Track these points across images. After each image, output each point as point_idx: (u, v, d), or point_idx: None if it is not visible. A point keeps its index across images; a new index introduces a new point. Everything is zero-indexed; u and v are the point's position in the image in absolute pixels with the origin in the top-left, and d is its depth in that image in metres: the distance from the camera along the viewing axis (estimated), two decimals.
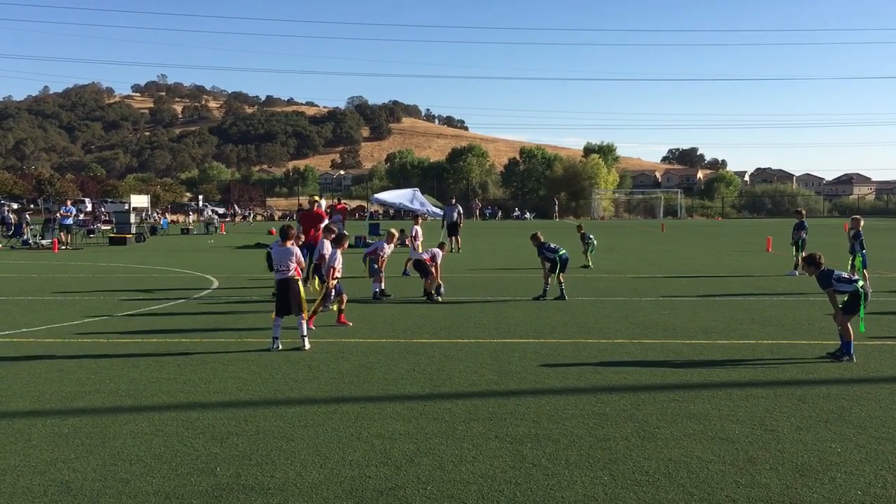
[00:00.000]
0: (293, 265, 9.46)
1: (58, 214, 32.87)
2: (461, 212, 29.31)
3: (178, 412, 6.66)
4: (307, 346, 9.36)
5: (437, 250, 14.60)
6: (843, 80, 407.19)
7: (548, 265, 13.87)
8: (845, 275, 8.96)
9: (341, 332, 10.50)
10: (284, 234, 9.76)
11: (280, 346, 9.34)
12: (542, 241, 14.12)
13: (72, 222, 32.95)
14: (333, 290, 11.00)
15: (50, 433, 6.10)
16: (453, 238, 27.21)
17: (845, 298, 8.79)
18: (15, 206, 62.99)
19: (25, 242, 31.95)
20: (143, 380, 7.85)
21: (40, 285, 17.07)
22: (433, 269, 14.06)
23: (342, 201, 33.33)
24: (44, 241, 31.53)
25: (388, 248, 14.64)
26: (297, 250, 9.69)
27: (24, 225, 34.88)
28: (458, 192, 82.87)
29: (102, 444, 5.81)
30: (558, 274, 13.79)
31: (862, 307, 8.69)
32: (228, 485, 4.98)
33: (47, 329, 11.06)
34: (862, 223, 15.75)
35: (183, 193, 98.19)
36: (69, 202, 39.07)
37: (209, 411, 6.69)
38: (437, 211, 29.82)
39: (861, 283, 8.90)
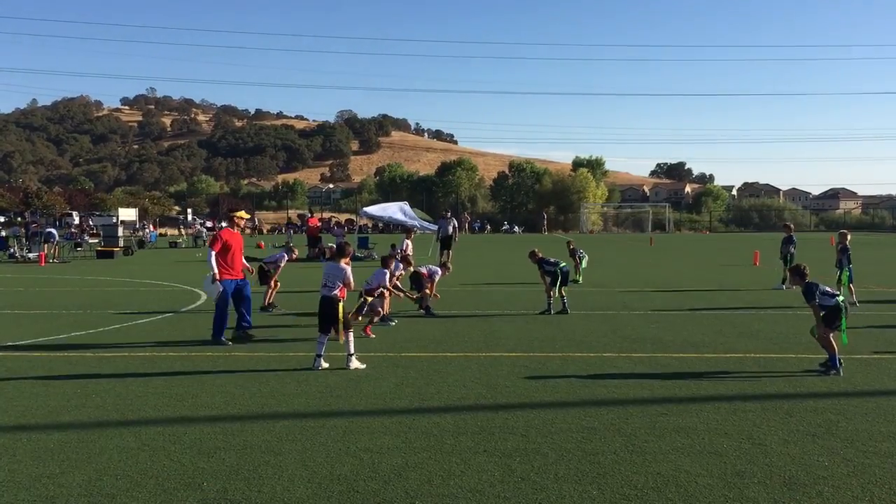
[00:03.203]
0: (340, 284, 9.12)
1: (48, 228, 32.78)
2: (456, 226, 28.92)
3: (165, 427, 6.62)
4: (353, 366, 8.94)
5: (435, 268, 14.46)
6: (829, 96, 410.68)
7: (549, 279, 13.89)
8: (829, 289, 9.04)
9: (330, 346, 10.43)
10: (341, 251, 9.51)
11: (324, 364, 9.01)
12: (541, 256, 14.16)
13: (56, 236, 32.85)
14: (367, 306, 11.62)
15: (35, 448, 6.04)
16: (445, 252, 26.28)
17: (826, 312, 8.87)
18: (2, 219, 62.68)
19: (12, 256, 31.74)
20: (129, 394, 7.79)
21: (27, 299, 16.95)
22: (427, 284, 14.00)
23: (313, 214, 33.13)
24: (30, 255, 31.34)
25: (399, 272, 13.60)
26: (348, 270, 9.29)
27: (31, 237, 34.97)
28: (448, 205, 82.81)
29: (88, 459, 5.77)
30: (560, 287, 13.80)
31: (843, 320, 8.77)
32: (215, 499, 4.95)
33: (33, 343, 10.98)
34: (849, 237, 15.89)
35: (171, 207, 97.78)
36: (55, 225, 39.07)
37: (196, 426, 6.65)
38: (429, 225, 29.67)
39: (842, 297, 8.98)
